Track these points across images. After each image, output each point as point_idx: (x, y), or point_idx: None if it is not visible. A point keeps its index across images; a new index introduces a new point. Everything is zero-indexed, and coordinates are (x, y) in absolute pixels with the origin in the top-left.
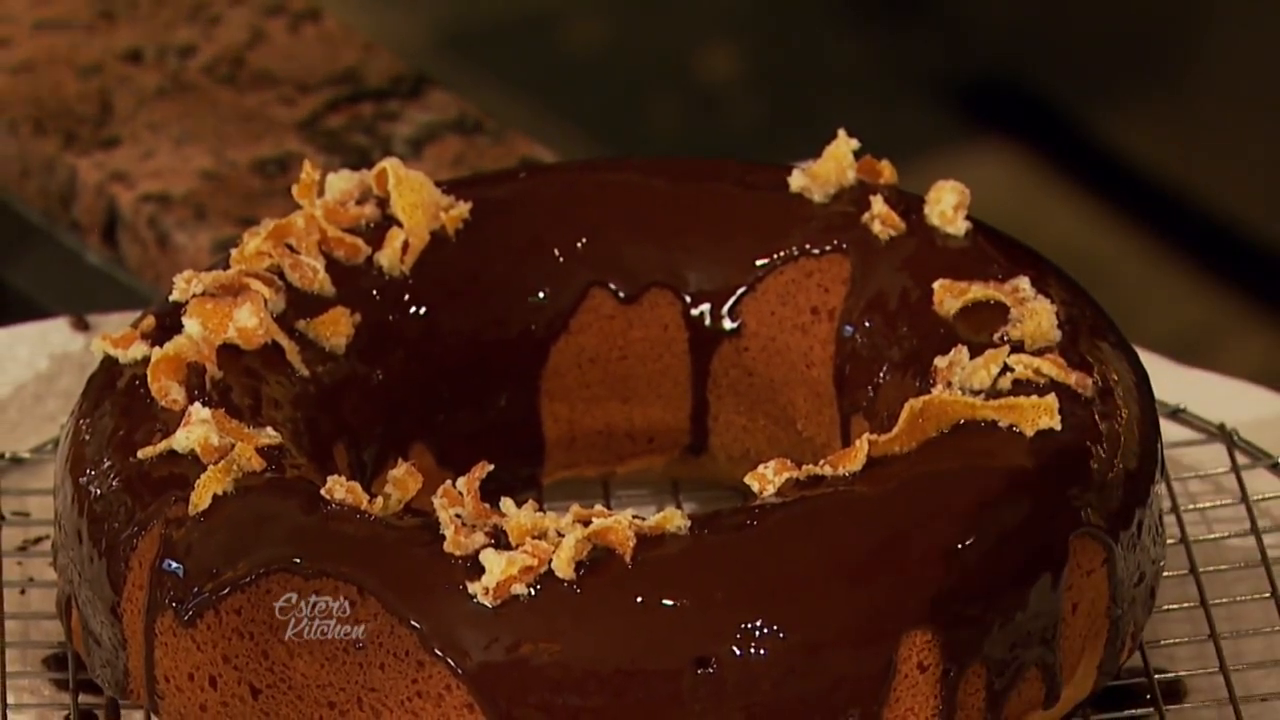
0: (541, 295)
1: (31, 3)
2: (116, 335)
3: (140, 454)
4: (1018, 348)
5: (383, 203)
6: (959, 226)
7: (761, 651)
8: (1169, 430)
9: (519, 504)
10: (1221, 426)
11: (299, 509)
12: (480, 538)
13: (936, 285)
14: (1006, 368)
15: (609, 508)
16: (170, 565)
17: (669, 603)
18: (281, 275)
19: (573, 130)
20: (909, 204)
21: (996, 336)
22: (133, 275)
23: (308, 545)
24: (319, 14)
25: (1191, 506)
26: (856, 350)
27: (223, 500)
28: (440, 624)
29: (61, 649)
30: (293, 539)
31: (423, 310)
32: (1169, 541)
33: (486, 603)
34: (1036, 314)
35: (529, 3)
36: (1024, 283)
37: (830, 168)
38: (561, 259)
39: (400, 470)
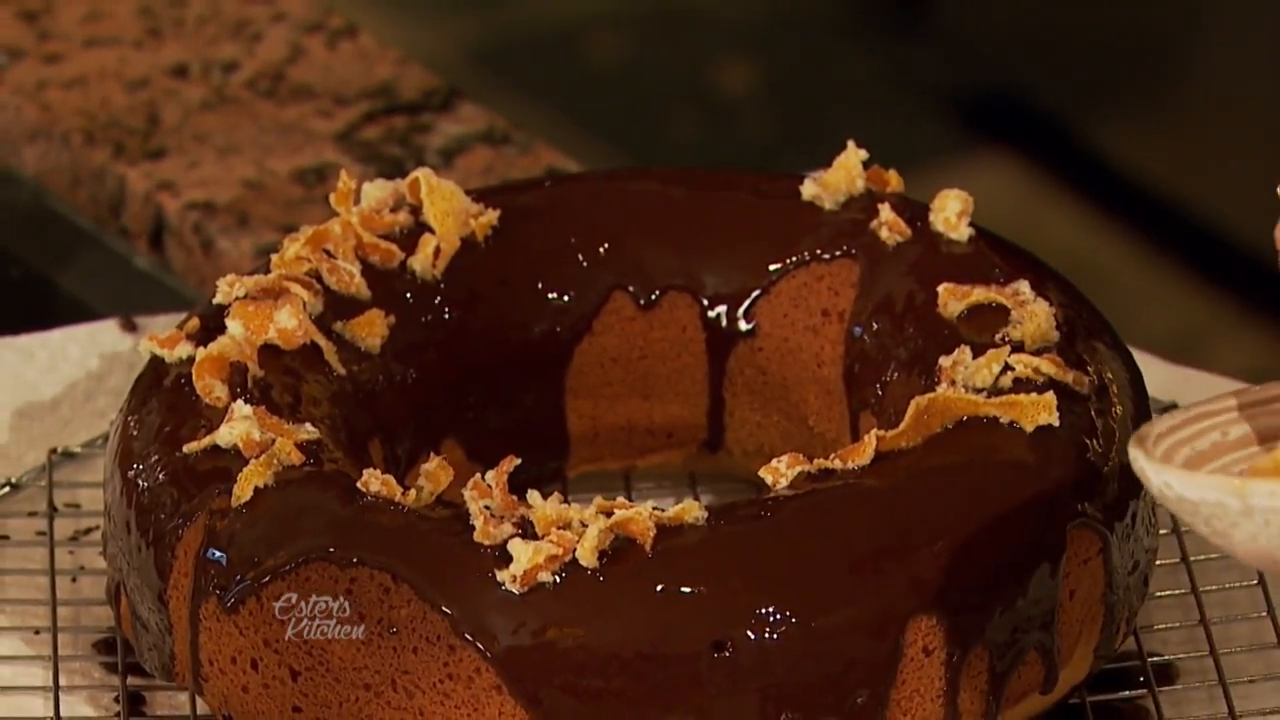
0: (566, 298)
1: (82, 20)
2: (163, 336)
3: (185, 449)
4: (1018, 348)
5: (416, 210)
6: (962, 233)
7: (775, 636)
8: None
9: (545, 496)
10: None
11: (336, 501)
12: (508, 528)
13: (941, 289)
14: (1007, 367)
15: (630, 499)
16: (214, 554)
17: (687, 590)
18: (320, 279)
19: (596, 141)
20: (915, 211)
21: (998, 337)
22: (178, 279)
23: (344, 535)
24: (355, 31)
25: None
26: (865, 350)
27: (264, 492)
28: (470, 610)
29: (111, 634)
30: (330, 529)
31: (453, 312)
32: (1161, 531)
33: (514, 590)
34: (1036, 316)
35: (555, 20)
36: (1024, 286)
37: (840, 177)
38: (585, 263)
39: (432, 464)
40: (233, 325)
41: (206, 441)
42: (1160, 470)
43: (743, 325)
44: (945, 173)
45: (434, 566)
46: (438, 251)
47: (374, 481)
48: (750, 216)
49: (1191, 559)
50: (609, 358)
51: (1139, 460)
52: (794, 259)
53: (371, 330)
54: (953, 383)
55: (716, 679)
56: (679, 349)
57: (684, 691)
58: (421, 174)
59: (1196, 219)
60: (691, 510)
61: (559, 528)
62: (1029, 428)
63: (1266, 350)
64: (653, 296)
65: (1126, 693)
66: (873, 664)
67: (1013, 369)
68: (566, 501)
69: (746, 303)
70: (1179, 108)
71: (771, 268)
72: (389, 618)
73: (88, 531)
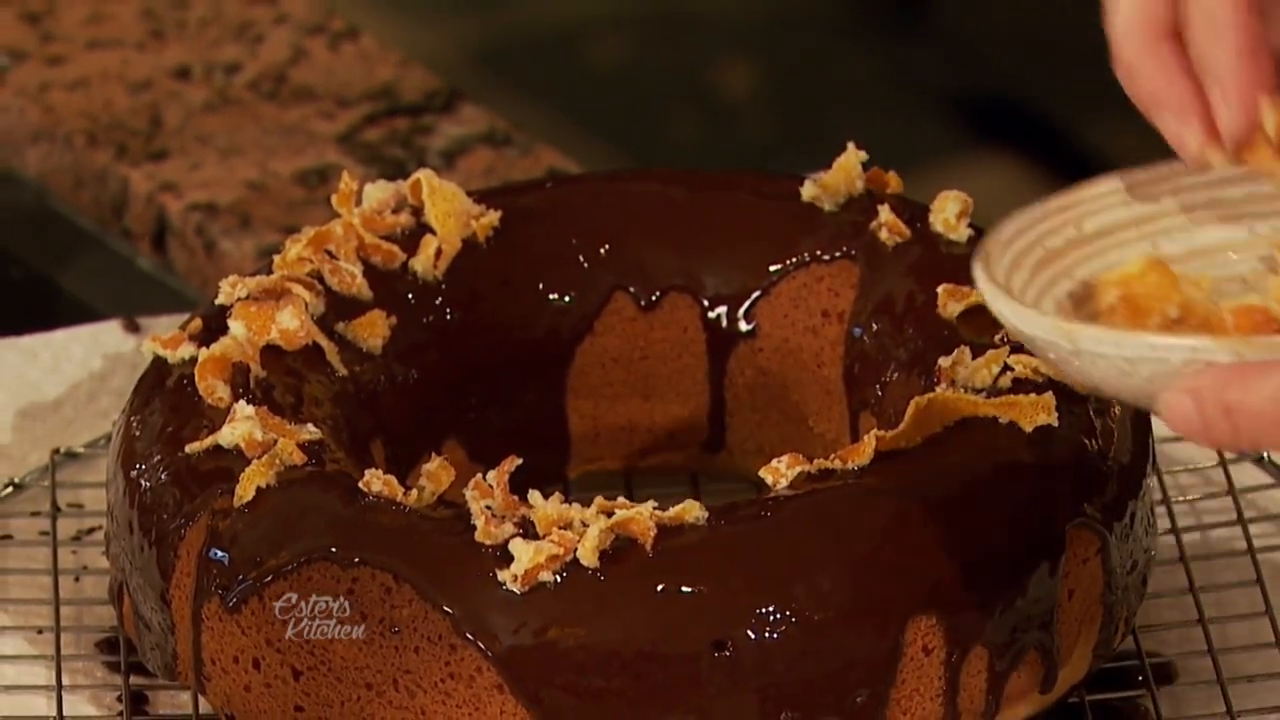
0: (567, 299)
1: (85, 22)
2: (166, 337)
3: (188, 449)
4: (1017, 348)
5: (417, 211)
6: (961, 234)
7: (775, 635)
8: (1160, 426)
9: (546, 496)
10: None
11: (338, 501)
12: (509, 528)
13: (940, 289)
14: (1006, 367)
15: (631, 499)
16: (216, 554)
17: (688, 589)
18: (321, 280)
19: (597, 142)
20: (914, 212)
21: (997, 338)
22: (181, 280)
23: (346, 535)
24: (357, 33)
25: (1181, 498)
26: (865, 351)
27: (266, 492)
28: (471, 610)
29: (113, 633)
30: (332, 529)
31: (455, 313)
32: (1160, 531)
33: (515, 589)
34: None
35: (556, 21)
36: None
37: (840, 178)
38: (586, 264)
39: (434, 464)
40: (235, 326)
41: (209, 442)
42: (998, 298)
43: (743, 326)
44: (945, 173)
45: (435, 566)
46: (439, 252)
47: (375, 481)
48: (750, 217)
49: (1190, 559)
50: (610, 358)
51: (981, 280)
52: (794, 260)
53: (373, 331)
54: (952, 383)
55: (717, 679)
56: (680, 349)
57: (684, 691)
58: (423, 175)
59: None
60: (692, 510)
61: (560, 527)
62: (1028, 428)
63: None
64: (653, 297)
65: (1125, 692)
66: (873, 663)
67: (1012, 369)
68: (567, 501)
69: (747, 303)
70: None
71: (772, 268)
72: (390, 617)
73: (90, 531)
